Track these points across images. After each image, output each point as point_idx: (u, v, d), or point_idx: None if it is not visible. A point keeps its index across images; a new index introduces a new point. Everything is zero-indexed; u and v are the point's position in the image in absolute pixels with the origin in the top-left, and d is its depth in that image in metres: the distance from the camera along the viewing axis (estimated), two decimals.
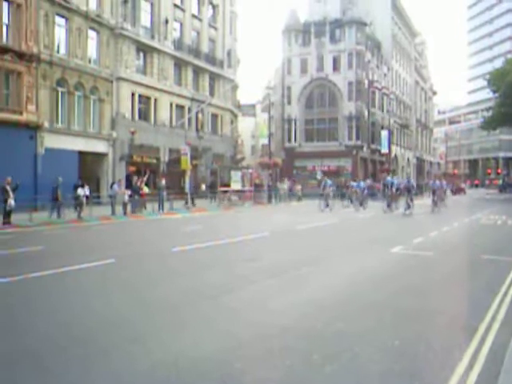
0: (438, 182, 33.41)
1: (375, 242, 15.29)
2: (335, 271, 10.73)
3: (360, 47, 58.81)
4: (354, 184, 34.65)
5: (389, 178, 33.01)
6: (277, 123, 63.57)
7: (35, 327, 6.68)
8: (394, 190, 29.96)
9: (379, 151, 60.74)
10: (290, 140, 60.41)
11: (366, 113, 59.34)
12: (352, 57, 58.58)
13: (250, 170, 41.77)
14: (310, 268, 10.89)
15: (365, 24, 60.48)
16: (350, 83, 58.55)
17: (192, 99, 43.97)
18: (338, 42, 59.37)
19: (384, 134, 59.72)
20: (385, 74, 63.58)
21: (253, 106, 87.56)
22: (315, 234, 18.33)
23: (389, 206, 29.12)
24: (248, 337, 6.13)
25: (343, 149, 57.93)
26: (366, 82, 59.19)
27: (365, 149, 59.23)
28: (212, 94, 47.41)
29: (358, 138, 58.36)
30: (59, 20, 31.61)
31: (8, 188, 21.38)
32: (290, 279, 9.76)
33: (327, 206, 29.86)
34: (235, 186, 36.88)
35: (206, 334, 6.23)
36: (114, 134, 35.48)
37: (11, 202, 21.25)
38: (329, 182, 32.35)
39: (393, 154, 66.12)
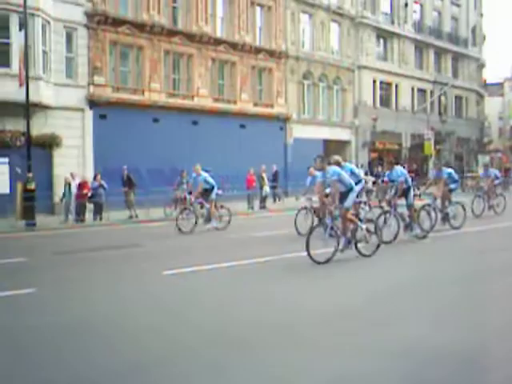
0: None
1: None
2: None
3: None
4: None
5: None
6: None
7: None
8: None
9: None
10: None
11: None
12: None
13: (499, 154, 39.13)
14: None
15: None
16: None
17: (434, 82, 42.63)
18: None
19: None
20: None
21: (500, 85, 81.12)
22: None
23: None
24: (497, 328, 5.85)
25: None
26: None
27: None
28: (455, 75, 45.38)
29: None
30: (303, 17, 33.47)
31: (264, 175, 23.61)
32: None
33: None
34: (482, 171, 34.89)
35: (448, 323, 6.04)
36: (357, 122, 36.35)
37: (267, 188, 23.45)
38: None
39: None
